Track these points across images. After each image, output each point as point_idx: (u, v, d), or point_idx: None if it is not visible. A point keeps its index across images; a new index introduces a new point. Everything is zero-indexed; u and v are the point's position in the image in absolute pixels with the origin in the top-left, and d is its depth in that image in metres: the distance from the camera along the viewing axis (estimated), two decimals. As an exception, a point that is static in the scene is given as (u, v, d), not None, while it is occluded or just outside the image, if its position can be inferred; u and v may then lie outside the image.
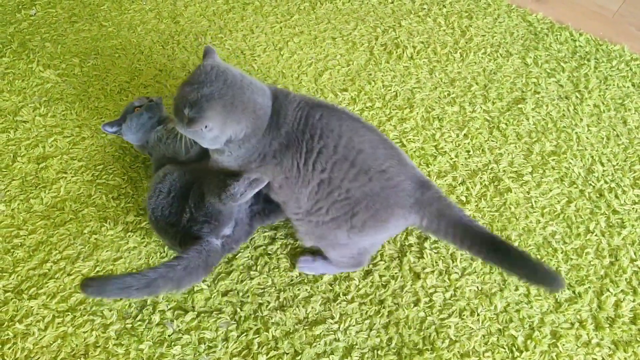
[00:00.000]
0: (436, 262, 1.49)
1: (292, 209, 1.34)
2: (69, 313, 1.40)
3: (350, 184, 1.24)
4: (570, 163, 1.72)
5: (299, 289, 1.44)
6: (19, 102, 1.88)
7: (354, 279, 1.45)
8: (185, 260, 1.29)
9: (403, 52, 2.08)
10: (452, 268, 1.47)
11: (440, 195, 1.26)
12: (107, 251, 1.51)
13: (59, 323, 1.38)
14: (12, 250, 1.52)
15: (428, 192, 1.26)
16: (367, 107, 1.88)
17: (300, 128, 1.25)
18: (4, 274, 1.47)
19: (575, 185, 1.66)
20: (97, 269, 1.48)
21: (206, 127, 1.19)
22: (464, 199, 1.63)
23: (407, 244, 1.52)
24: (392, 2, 2.31)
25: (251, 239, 1.53)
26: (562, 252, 1.51)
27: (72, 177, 1.67)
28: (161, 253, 1.50)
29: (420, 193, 1.25)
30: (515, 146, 1.77)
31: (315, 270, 1.46)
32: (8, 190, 1.64)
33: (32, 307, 1.41)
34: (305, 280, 1.46)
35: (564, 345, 1.33)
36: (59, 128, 1.81)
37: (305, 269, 1.46)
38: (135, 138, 1.60)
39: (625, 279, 1.45)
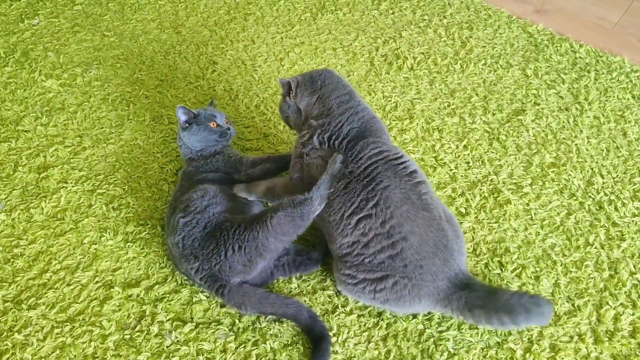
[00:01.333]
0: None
1: (334, 235, 1.35)
2: (68, 323, 1.39)
3: (384, 261, 1.25)
4: (570, 175, 1.72)
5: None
6: (21, 112, 1.89)
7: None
8: None
9: (403, 63, 2.09)
10: (451, 280, 1.47)
11: (476, 293, 1.26)
12: (106, 261, 1.52)
13: (57, 333, 1.38)
14: (12, 260, 1.52)
15: (463, 291, 1.27)
16: (367, 118, 1.88)
17: (362, 182, 1.27)
18: (4, 284, 1.47)
19: (574, 198, 1.66)
20: (97, 279, 1.48)
21: (292, 90, 1.43)
22: (463, 210, 1.63)
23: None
24: (393, 13, 2.32)
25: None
26: (561, 265, 1.50)
27: (72, 186, 1.68)
28: (160, 264, 1.51)
29: (453, 291, 1.27)
30: (515, 158, 1.77)
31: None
32: (9, 200, 1.65)
33: (31, 317, 1.41)
34: (305, 292, 1.46)
35: (563, 359, 1.33)
36: (60, 138, 1.82)
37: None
38: (191, 142, 1.59)
39: (625, 292, 1.45)
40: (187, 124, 1.58)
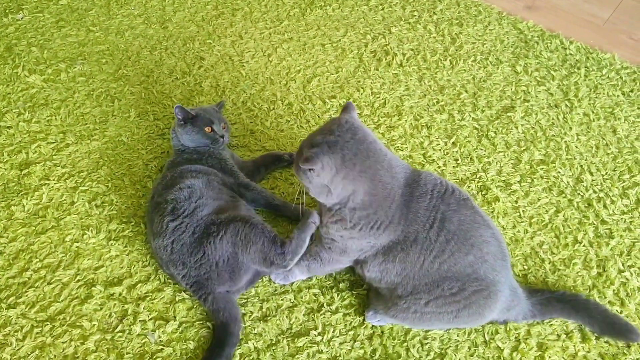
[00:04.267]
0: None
1: (387, 289, 1.32)
2: (48, 323, 1.37)
3: (463, 289, 1.22)
4: (559, 172, 1.71)
5: (282, 299, 1.42)
6: (3, 108, 1.86)
7: (341, 290, 1.43)
8: None
9: (392, 60, 2.07)
10: (438, 278, 1.45)
11: (523, 300, 1.32)
12: (88, 259, 1.49)
13: (37, 333, 1.35)
14: (-9, 259, 1.49)
15: (516, 299, 1.30)
16: (355, 115, 1.86)
17: (434, 230, 1.20)
18: (-17, 283, 1.44)
19: (563, 195, 1.65)
20: (78, 277, 1.45)
21: (315, 170, 1.17)
22: (451, 208, 1.61)
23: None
24: (383, 9, 2.30)
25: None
26: (549, 263, 1.49)
27: (55, 183, 1.65)
28: (143, 262, 1.48)
29: (511, 300, 1.29)
30: (504, 155, 1.75)
31: (385, 322, 1.37)
32: (-11, 197, 1.62)
33: (10, 316, 1.38)
34: (289, 290, 1.44)
35: (550, 357, 1.31)
36: (43, 134, 1.79)
37: (376, 322, 1.37)
38: (183, 139, 1.57)
39: (613, 290, 1.44)
40: (183, 122, 1.56)
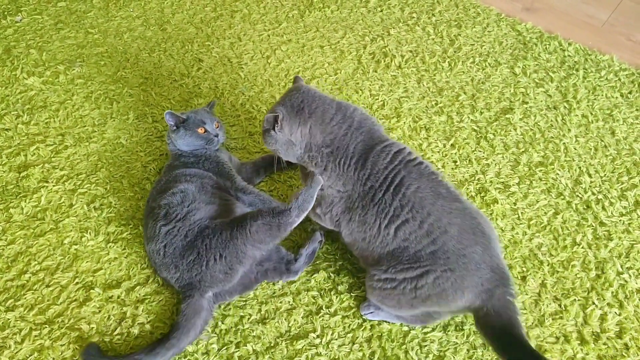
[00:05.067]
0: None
1: (362, 258, 1.35)
2: (47, 326, 1.37)
3: (425, 257, 1.22)
4: (558, 174, 1.71)
5: (281, 301, 1.42)
6: (2, 110, 1.86)
7: (340, 292, 1.43)
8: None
9: (391, 61, 2.07)
10: (437, 281, 1.45)
11: (511, 300, 1.20)
12: (87, 262, 1.49)
13: (36, 336, 1.35)
14: (-10, 261, 1.49)
15: (503, 289, 1.20)
16: (354, 117, 1.86)
17: (390, 191, 1.24)
18: (-19, 286, 1.44)
19: (562, 197, 1.65)
20: (77, 280, 1.45)
21: (278, 122, 1.31)
22: (450, 210, 1.61)
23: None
24: (381, 11, 2.30)
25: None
26: (548, 265, 1.49)
27: (53, 186, 1.65)
28: (142, 265, 1.48)
29: (495, 286, 1.20)
30: (503, 157, 1.75)
31: (379, 316, 1.39)
32: (-12, 200, 1.62)
33: (9, 319, 1.38)
34: (288, 292, 1.44)
35: (549, 360, 1.31)
36: (42, 136, 1.79)
37: (369, 315, 1.39)
38: (178, 144, 1.57)
39: (612, 292, 1.44)
40: (175, 127, 1.56)
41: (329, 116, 1.32)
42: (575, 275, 1.47)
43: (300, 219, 1.32)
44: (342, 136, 1.31)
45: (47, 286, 1.44)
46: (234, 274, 1.34)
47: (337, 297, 1.42)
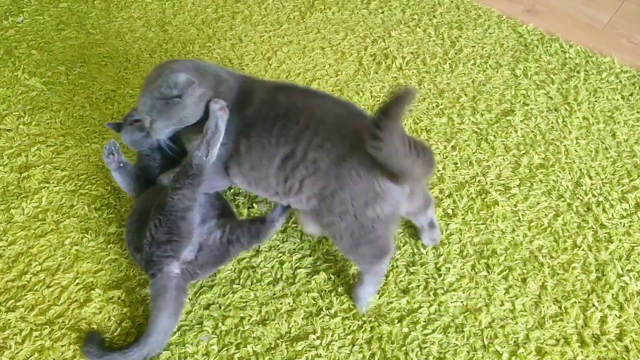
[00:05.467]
0: (422, 278, 1.47)
1: (266, 192, 1.36)
2: (47, 326, 1.37)
3: (315, 154, 1.24)
4: (559, 176, 1.71)
5: (281, 303, 1.42)
6: (3, 110, 1.86)
7: (340, 294, 1.43)
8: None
9: (392, 63, 2.07)
10: (438, 283, 1.45)
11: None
12: (87, 263, 1.49)
13: (36, 336, 1.35)
14: (-9, 262, 1.49)
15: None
16: (354, 118, 1.86)
17: (265, 109, 1.30)
18: (-18, 286, 1.44)
19: (562, 199, 1.65)
20: (77, 281, 1.45)
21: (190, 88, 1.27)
22: (450, 211, 1.61)
23: (394, 257, 1.50)
24: (382, 12, 2.30)
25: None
26: (548, 267, 1.49)
27: (54, 187, 1.65)
28: (142, 265, 1.48)
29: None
30: (503, 159, 1.75)
31: (364, 298, 1.39)
32: (-11, 200, 1.62)
33: (9, 319, 1.38)
34: (288, 294, 1.44)
35: (549, 362, 1.31)
36: (43, 137, 1.79)
37: (364, 308, 1.40)
38: (134, 146, 1.55)
39: (612, 295, 1.44)
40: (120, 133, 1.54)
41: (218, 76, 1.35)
42: (576, 277, 1.47)
43: (212, 157, 1.29)
44: (230, 87, 1.34)
45: (48, 287, 1.44)
46: (180, 233, 1.31)
47: (337, 298, 1.42)
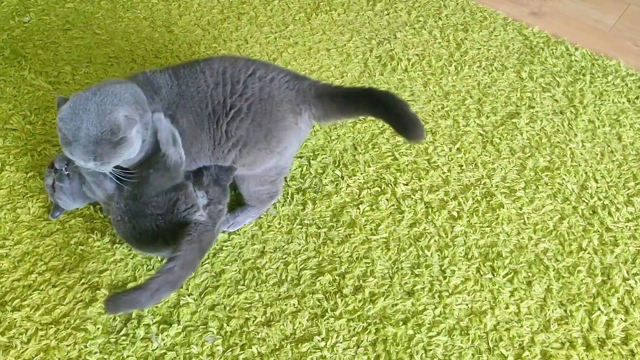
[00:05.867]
0: (427, 280, 1.47)
1: (208, 160, 1.47)
2: (53, 326, 1.37)
3: (231, 101, 1.36)
4: (564, 179, 1.70)
5: (286, 304, 1.42)
6: (9, 110, 1.87)
7: (345, 295, 1.43)
8: (181, 258, 1.27)
9: (398, 65, 2.07)
10: (443, 285, 1.45)
11: (316, 81, 1.43)
12: (93, 262, 1.49)
13: (42, 336, 1.36)
14: (-4, 261, 1.50)
15: (305, 81, 1.41)
16: (360, 120, 1.86)
17: (175, 86, 1.37)
18: (-12, 285, 1.45)
19: (568, 202, 1.65)
20: (83, 280, 1.46)
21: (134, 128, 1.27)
22: (455, 214, 1.61)
23: (399, 260, 1.50)
24: (388, 14, 2.30)
25: (240, 252, 1.52)
26: (553, 270, 1.49)
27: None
28: (147, 265, 1.49)
29: (299, 83, 1.40)
30: (509, 161, 1.75)
31: (239, 223, 1.54)
32: (-5, 199, 1.63)
33: (15, 319, 1.38)
34: (293, 295, 1.44)
35: (554, 365, 1.31)
36: (49, 137, 1.79)
37: (231, 227, 1.54)
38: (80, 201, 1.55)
39: (617, 298, 1.43)
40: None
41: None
42: (581, 280, 1.47)
43: (179, 155, 1.34)
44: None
45: (54, 286, 1.45)
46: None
47: (342, 300, 1.42)
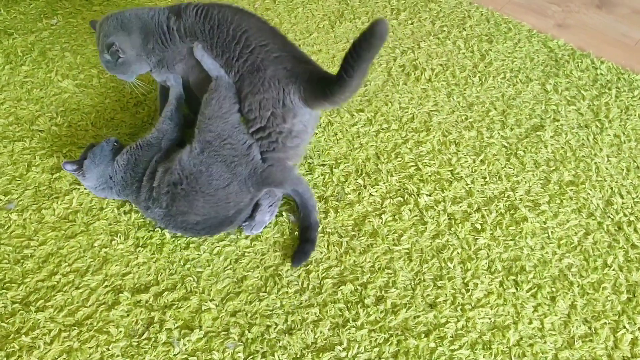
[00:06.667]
0: (450, 292, 1.46)
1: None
2: (75, 327, 1.38)
3: (236, 63, 1.48)
4: (589, 194, 1.69)
5: (307, 312, 1.42)
6: (36, 111, 1.89)
7: (367, 306, 1.43)
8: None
9: (421, 74, 2.06)
10: (466, 299, 1.44)
11: (314, 67, 1.50)
12: (116, 265, 1.50)
13: (65, 337, 1.37)
14: (21, 261, 1.51)
15: (303, 65, 1.48)
16: (383, 129, 1.86)
17: (201, 22, 1.50)
18: (13, 285, 1.46)
19: (593, 217, 1.63)
20: (106, 283, 1.47)
21: (117, 48, 1.53)
22: (479, 226, 1.60)
23: (421, 271, 1.50)
24: (412, 24, 2.30)
25: (262, 259, 1.52)
26: (578, 286, 1.47)
27: (84, 189, 1.66)
28: (170, 270, 1.49)
29: (296, 66, 1.46)
30: (533, 174, 1.74)
31: (261, 223, 1.58)
32: (21, 200, 1.64)
33: (39, 319, 1.40)
34: (315, 304, 1.43)
35: (578, 383, 1.30)
36: (74, 138, 1.81)
37: (254, 229, 1.57)
38: (96, 174, 1.57)
39: (643, 317, 1.42)
40: (80, 168, 1.59)
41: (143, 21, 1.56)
42: (606, 297, 1.45)
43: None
44: (151, 19, 1.55)
45: (77, 288, 1.46)
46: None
47: (363, 310, 1.42)
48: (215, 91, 1.48)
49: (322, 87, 1.40)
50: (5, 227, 1.58)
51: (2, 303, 1.42)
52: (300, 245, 1.54)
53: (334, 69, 2.05)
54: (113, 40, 1.52)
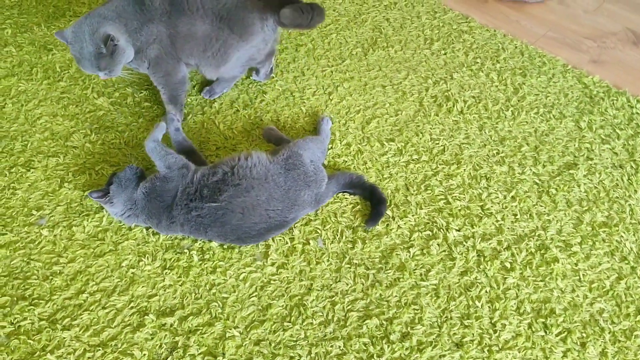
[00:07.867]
0: (477, 332, 1.43)
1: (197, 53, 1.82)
2: (100, 348, 1.39)
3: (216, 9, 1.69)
4: (622, 237, 1.65)
5: (331, 345, 1.41)
6: (71, 127, 1.92)
7: (392, 342, 1.41)
8: None
9: (453, 106, 2.05)
10: (493, 339, 1.42)
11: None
12: (142, 287, 1.51)
13: (89, 357, 1.37)
14: (50, 278, 1.52)
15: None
16: (413, 160, 1.85)
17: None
18: (41, 302, 1.47)
19: (626, 261, 1.59)
20: (132, 304, 1.47)
21: (113, 37, 1.61)
22: (508, 265, 1.58)
23: (448, 309, 1.48)
24: (445, 54, 2.29)
25: (287, 287, 1.51)
26: (609, 333, 1.44)
27: (115, 207, 1.68)
28: (196, 294, 1.49)
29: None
30: (565, 214, 1.71)
31: (217, 92, 2.03)
32: (52, 216, 1.66)
33: (64, 338, 1.40)
34: (339, 337, 1.42)
35: None
36: (107, 156, 1.83)
37: (212, 96, 2.03)
38: (123, 199, 1.58)
39: (677, 369, 1.38)
40: (108, 196, 1.60)
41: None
42: (638, 346, 1.42)
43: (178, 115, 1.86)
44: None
45: (103, 308, 1.47)
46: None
47: (388, 346, 1.40)
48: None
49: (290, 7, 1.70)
50: (36, 243, 1.60)
51: (30, 320, 1.44)
52: (373, 209, 1.68)
53: (365, 97, 2.07)
54: (108, 32, 1.60)
